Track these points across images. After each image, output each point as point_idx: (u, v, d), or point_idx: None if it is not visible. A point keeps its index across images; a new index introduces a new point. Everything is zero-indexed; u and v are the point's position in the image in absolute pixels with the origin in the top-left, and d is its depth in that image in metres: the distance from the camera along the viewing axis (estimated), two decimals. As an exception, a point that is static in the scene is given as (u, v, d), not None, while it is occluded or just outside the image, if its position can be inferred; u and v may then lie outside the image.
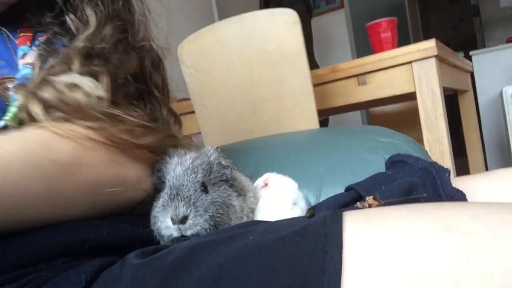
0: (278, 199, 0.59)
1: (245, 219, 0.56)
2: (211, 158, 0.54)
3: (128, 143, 0.52)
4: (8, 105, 0.51)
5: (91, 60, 0.54)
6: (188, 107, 1.76)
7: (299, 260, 0.34)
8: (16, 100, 0.51)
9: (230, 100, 1.46)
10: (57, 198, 0.45)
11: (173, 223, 0.48)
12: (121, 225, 0.49)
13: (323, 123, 3.04)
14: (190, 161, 0.52)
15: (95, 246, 0.44)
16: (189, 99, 1.64)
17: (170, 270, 0.37)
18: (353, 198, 0.56)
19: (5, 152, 0.41)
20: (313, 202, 0.83)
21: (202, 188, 0.50)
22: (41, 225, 0.43)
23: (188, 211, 0.48)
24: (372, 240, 0.35)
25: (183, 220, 0.47)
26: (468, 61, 2.21)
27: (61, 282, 0.39)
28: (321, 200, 0.82)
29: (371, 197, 0.47)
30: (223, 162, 0.55)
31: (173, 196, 0.49)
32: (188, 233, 0.48)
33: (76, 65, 0.52)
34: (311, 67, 1.81)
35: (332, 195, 0.81)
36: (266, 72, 1.37)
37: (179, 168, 0.52)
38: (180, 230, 0.48)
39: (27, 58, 0.56)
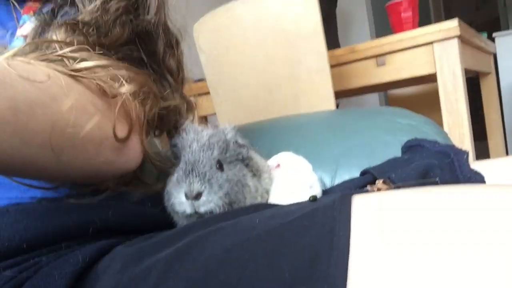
0: (294, 181, 0.59)
1: (259, 200, 0.55)
2: (228, 136, 0.54)
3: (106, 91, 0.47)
4: None
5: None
6: (204, 88, 1.76)
7: (306, 243, 0.34)
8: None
9: (246, 80, 1.45)
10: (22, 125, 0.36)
11: (187, 199, 0.47)
12: (128, 206, 0.49)
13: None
14: (207, 137, 0.52)
15: (100, 228, 0.44)
16: (204, 79, 1.63)
17: (174, 254, 0.37)
18: (368, 182, 0.55)
19: None
20: (328, 183, 0.82)
21: (217, 165, 0.50)
22: None
23: (203, 187, 0.47)
24: (380, 222, 0.34)
25: (197, 196, 0.47)
26: (491, 43, 2.15)
27: (59, 264, 0.39)
28: (335, 182, 0.81)
29: (381, 180, 0.46)
30: (240, 141, 0.54)
31: (188, 172, 0.48)
32: (202, 210, 0.47)
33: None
34: (334, 47, 1.78)
35: (347, 176, 0.80)
36: (282, 52, 1.35)
37: (195, 144, 0.51)
38: (194, 206, 0.47)
39: (23, 29, 0.54)
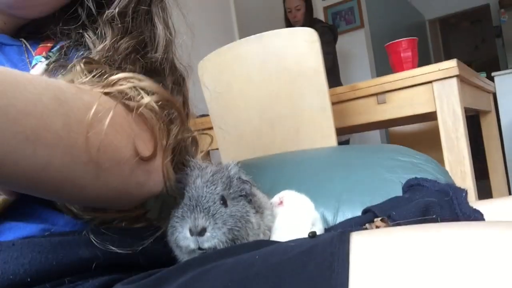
0: (296, 219, 0.59)
1: (261, 236, 0.55)
2: (231, 172, 0.54)
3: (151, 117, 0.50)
4: None
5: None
6: (207, 123, 1.78)
7: (305, 279, 0.34)
8: None
9: (249, 116, 1.47)
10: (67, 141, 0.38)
11: (191, 235, 0.47)
12: (134, 241, 0.49)
13: (345, 143, 3.03)
14: (211, 174, 0.52)
15: (104, 264, 0.44)
16: (207, 115, 1.65)
17: None
18: (369, 220, 0.56)
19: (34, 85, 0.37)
20: (330, 220, 0.82)
21: (221, 201, 0.50)
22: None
23: (207, 223, 0.47)
24: (378, 260, 0.34)
25: (202, 232, 0.47)
26: (490, 82, 2.18)
27: None
28: (338, 218, 0.81)
29: (379, 219, 0.46)
30: (243, 177, 0.55)
31: (192, 207, 0.48)
32: (206, 245, 0.47)
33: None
34: (337, 85, 1.82)
35: (349, 214, 0.80)
36: (284, 89, 1.38)
37: (199, 180, 0.51)
38: (198, 242, 0.47)
39: (36, 69, 0.55)
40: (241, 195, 0.54)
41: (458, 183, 1.25)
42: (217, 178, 0.52)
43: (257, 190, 0.61)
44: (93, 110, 0.40)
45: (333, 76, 2.93)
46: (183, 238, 0.48)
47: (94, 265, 0.43)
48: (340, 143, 2.61)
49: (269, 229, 0.58)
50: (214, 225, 0.48)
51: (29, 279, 0.39)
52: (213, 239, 0.47)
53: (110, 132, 0.42)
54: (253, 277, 0.36)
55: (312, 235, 0.45)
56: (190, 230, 0.47)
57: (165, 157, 0.53)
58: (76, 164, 0.39)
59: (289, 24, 3.25)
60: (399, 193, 0.66)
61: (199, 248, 0.47)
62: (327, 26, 3.36)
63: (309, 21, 3.16)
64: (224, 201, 0.50)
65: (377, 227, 0.45)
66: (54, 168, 0.37)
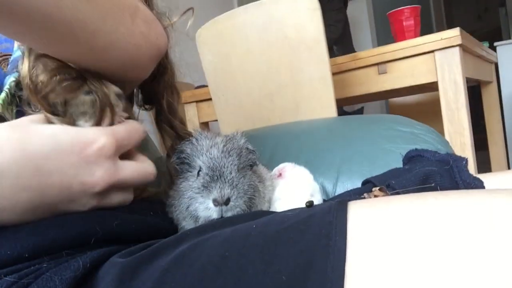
0: (295, 190, 0.59)
1: (266, 205, 0.55)
2: (240, 143, 0.54)
3: None
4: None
5: None
6: (206, 94, 1.76)
7: (302, 247, 0.34)
8: (8, 82, 0.51)
9: (248, 87, 1.45)
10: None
11: (215, 205, 0.48)
12: (131, 217, 0.48)
13: (358, 112, 2.97)
14: (223, 143, 0.52)
15: (102, 238, 0.44)
16: (206, 86, 1.64)
17: (171, 261, 0.37)
18: (368, 190, 0.56)
19: None
20: (329, 191, 0.82)
21: (238, 171, 0.51)
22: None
23: (232, 192, 0.48)
24: (376, 228, 0.34)
25: (227, 201, 0.48)
26: (493, 52, 2.15)
27: (60, 270, 0.39)
28: (337, 189, 0.81)
29: (377, 188, 0.46)
30: (250, 147, 0.55)
31: (216, 178, 0.49)
32: (228, 214, 0.48)
33: None
34: (350, 52, 1.78)
35: (349, 184, 0.80)
36: (284, 59, 1.36)
37: (215, 150, 0.51)
38: (221, 212, 0.48)
39: None
40: (248, 165, 0.54)
41: (458, 153, 1.24)
42: (230, 148, 0.52)
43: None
44: None
45: (344, 45, 2.82)
46: (205, 208, 0.48)
47: (93, 240, 0.43)
48: (353, 112, 2.59)
49: (269, 200, 0.58)
50: (237, 194, 0.49)
51: (26, 254, 0.39)
52: (235, 208, 0.48)
53: None
54: (250, 246, 0.36)
55: (309, 204, 0.45)
56: (215, 200, 0.47)
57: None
58: (82, 3, 0.40)
59: None
60: (399, 163, 0.66)
61: (220, 218, 0.48)
62: None
63: None
64: (239, 171, 0.51)
65: (376, 196, 0.45)
66: (64, 4, 0.39)
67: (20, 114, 0.49)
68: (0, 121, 0.47)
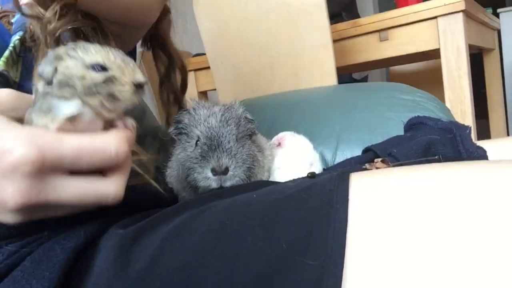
0: (295, 159, 0.59)
1: (266, 175, 0.55)
2: (239, 112, 0.53)
3: None
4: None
5: None
6: (203, 62, 1.73)
7: (303, 215, 0.34)
8: (12, 40, 0.50)
9: (247, 55, 1.43)
10: None
11: (214, 174, 0.47)
12: (136, 188, 0.48)
13: (363, 80, 2.93)
14: (221, 113, 0.52)
15: (105, 207, 0.44)
16: (204, 54, 1.61)
17: (171, 229, 0.37)
18: (370, 159, 0.55)
19: None
20: (329, 160, 0.82)
21: (236, 140, 0.50)
22: None
23: (230, 162, 0.48)
24: (377, 198, 0.34)
25: (225, 171, 0.47)
26: (496, 18, 2.11)
27: (61, 239, 0.39)
28: (337, 157, 0.81)
29: (380, 159, 0.46)
30: (249, 117, 0.54)
31: (214, 147, 0.48)
32: (228, 184, 0.48)
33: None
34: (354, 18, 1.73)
35: (348, 153, 0.80)
36: (284, 26, 1.33)
37: (213, 119, 0.51)
38: (220, 181, 0.48)
39: None
40: (247, 135, 0.53)
41: (458, 121, 1.24)
42: (228, 117, 0.51)
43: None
44: None
45: (351, 11, 2.73)
46: (204, 178, 0.48)
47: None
48: (361, 79, 2.55)
49: (268, 169, 0.58)
50: (236, 163, 0.48)
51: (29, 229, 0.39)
52: (234, 177, 0.48)
53: None
54: (251, 214, 0.36)
55: (311, 175, 0.44)
56: (214, 170, 0.47)
57: None
58: None
59: None
60: (400, 131, 0.65)
61: (220, 187, 0.48)
62: None
63: None
64: (238, 140, 0.50)
65: (378, 168, 0.45)
66: None
67: (24, 76, 0.48)
68: (5, 81, 0.47)
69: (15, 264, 0.37)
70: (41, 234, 0.40)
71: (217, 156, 0.48)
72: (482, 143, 0.55)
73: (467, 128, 0.51)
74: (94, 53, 0.37)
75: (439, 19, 1.34)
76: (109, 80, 0.36)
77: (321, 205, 0.35)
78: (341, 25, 1.54)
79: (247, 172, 0.49)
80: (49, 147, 0.33)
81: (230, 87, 1.51)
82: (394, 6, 1.70)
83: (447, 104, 1.35)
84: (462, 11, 1.30)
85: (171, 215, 0.40)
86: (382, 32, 1.47)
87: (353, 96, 0.96)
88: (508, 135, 2.36)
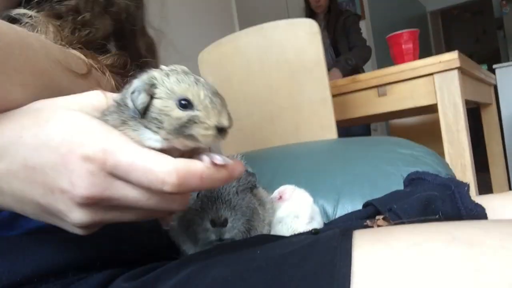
0: (296, 213, 0.59)
1: (267, 228, 0.55)
2: None
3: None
4: None
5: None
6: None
7: (306, 273, 0.34)
8: None
9: (249, 109, 1.46)
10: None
11: (213, 226, 0.47)
12: (140, 239, 0.48)
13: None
14: None
15: (110, 259, 0.44)
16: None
17: (176, 283, 0.37)
18: (371, 214, 0.55)
19: None
20: (330, 213, 0.82)
21: (237, 193, 0.50)
22: None
23: (229, 214, 0.48)
24: (380, 256, 0.34)
25: (224, 222, 0.47)
26: (492, 74, 2.17)
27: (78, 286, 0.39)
28: (338, 211, 0.81)
29: (381, 217, 0.46)
30: (250, 170, 0.55)
31: (214, 199, 0.48)
32: (227, 236, 0.47)
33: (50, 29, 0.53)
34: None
35: (349, 206, 0.80)
36: (285, 82, 1.37)
37: None
38: (219, 233, 0.47)
39: None
40: (247, 188, 0.54)
41: (458, 175, 1.25)
42: None
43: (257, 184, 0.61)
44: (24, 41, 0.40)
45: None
46: (203, 230, 0.48)
47: (98, 263, 0.43)
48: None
49: (269, 223, 0.58)
50: (235, 216, 0.48)
51: (35, 279, 0.40)
52: (233, 229, 0.48)
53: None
54: (254, 269, 0.36)
55: (315, 231, 0.45)
56: (213, 221, 0.47)
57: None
58: (12, 84, 0.37)
59: (310, 12, 2.85)
60: (400, 185, 0.66)
61: (219, 240, 0.48)
62: (356, 14, 2.95)
63: (334, 8, 2.77)
64: (237, 193, 0.51)
65: (379, 226, 0.45)
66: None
67: None
68: None
69: None
70: (46, 286, 0.40)
71: (216, 207, 0.48)
72: (482, 198, 0.56)
73: (466, 185, 0.52)
74: (186, 86, 0.37)
75: (435, 75, 1.38)
76: (193, 121, 0.36)
77: (324, 263, 0.34)
78: (340, 81, 1.59)
79: (246, 224, 0.49)
80: (112, 151, 0.35)
81: (232, 140, 1.53)
82: (392, 63, 1.76)
83: (447, 158, 1.36)
84: (457, 68, 1.35)
85: (174, 269, 0.40)
86: (380, 87, 1.51)
87: (353, 150, 0.97)
88: (510, 187, 2.35)
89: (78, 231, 0.37)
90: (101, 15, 0.62)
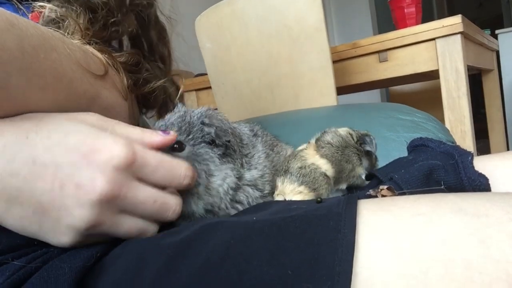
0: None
1: (221, 191, 0.51)
2: (194, 118, 0.52)
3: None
4: None
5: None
6: (205, 82, 1.75)
7: (309, 239, 0.34)
8: None
9: (248, 77, 1.44)
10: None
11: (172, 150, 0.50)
12: None
13: None
14: (168, 118, 0.53)
15: None
16: (205, 74, 1.62)
17: (175, 250, 0.37)
18: (373, 185, 0.55)
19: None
20: (329, 180, 0.82)
21: (175, 145, 0.49)
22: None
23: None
24: (385, 224, 0.34)
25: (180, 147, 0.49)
26: (494, 39, 2.14)
27: (70, 258, 0.38)
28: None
29: (385, 187, 0.46)
30: (207, 121, 0.52)
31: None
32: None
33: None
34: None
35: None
36: (284, 48, 1.34)
37: (159, 124, 0.53)
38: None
39: None
40: (203, 141, 0.52)
41: (458, 142, 1.24)
42: (173, 122, 0.51)
43: (261, 145, 0.60)
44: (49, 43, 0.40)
45: None
46: None
47: None
48: None
49: (271, 194, 0.56)
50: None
51: (36, 242, 0.40)
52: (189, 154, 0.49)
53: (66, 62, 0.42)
54: (256, 234, 0.36)
55: (320, 200, 0.44)
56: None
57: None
58: (31, 88, 0.38)
59: None
60: (400, 151, 0.65)
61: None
62: None
63: None
64: (180, 146, 0.49)
65: (383, 196, 0.44)
66: (12, 86, 0.36)
67: None
68: None
69: (22, 280, 0.37)
70: (47, 249, 0.40)
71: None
72: (479, 158, 0.55)
73: (469, 154, 0.51)
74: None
75: (437, 40, 1.36)
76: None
77: (328, 229, 0.34)
78: (341, 46, 1.56)
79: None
80: (140, 152, 0.40)
81: (231, 107, 1.52)
82: (393, 28, 1.73)
83: (447, 124, 1.35)
84: (460, 32, 1.32)
85: (175, 232, 0.40)
86: (381, 53, 1.49)
87: (353, 116, 0.96)
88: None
89: (68, 238, 0.38)
90: (127, 12, 0.64)
